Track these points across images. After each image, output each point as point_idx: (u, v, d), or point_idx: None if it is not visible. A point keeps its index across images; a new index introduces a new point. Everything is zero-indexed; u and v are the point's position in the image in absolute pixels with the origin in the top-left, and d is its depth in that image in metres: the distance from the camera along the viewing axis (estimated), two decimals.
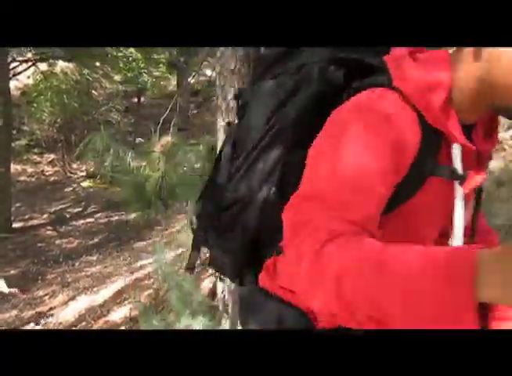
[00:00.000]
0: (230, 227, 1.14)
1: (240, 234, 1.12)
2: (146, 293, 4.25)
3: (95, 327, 4.21)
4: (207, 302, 2.78)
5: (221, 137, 2.79)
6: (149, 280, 4.90)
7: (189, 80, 12.37)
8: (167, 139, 3.01)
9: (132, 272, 5.75)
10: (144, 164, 3.36)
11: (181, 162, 3.11)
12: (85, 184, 11.69)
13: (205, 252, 4.57)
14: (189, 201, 3.45)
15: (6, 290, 4.31)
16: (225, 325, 2.78)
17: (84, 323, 4.57)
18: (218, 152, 2.90)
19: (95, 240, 8.58)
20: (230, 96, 2.70)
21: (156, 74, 14.20)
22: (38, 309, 5.53)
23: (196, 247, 1.28)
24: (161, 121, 3.35)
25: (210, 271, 3.55)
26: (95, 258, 7.48)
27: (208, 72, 13.96)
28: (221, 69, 2.79)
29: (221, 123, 2.74)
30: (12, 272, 7.11)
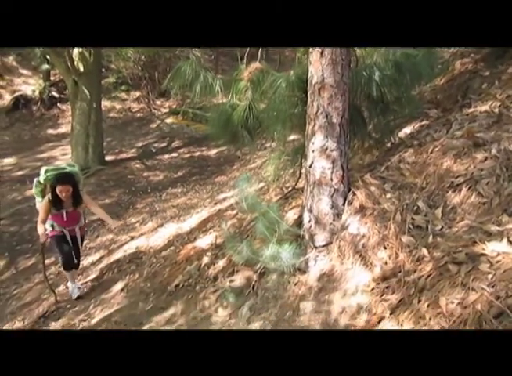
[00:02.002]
0: None
1: None
2: (229, 222, 4.39)
3: (183, 252, 4.47)
4: (294, 231, 2.79)
5: (312, 62, 2.64)
6: (232, 211, 5.05)
7: None
8: (256, 65, 2.92)
9: (216, 204, 5.97)
10: (231, 93, 3.32)
11: (268, 91, 3.03)
12: (169, 120, 12.09)
13: (287, 186, 4.52)
14: (275, 133, 3.38)
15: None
16: (311, 254, 2.80)
17: (172, 248, 4.88)
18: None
19: (179, 173, 8.98)
20: None
21: None
22: (131, 234, 6.01)
23: None
24: (248, 49, 3.26)
25: (295, 203, 3.55)
26: (179, 190, 7.87)
27: None
28: None
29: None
30: (106, 201, 7.73)
